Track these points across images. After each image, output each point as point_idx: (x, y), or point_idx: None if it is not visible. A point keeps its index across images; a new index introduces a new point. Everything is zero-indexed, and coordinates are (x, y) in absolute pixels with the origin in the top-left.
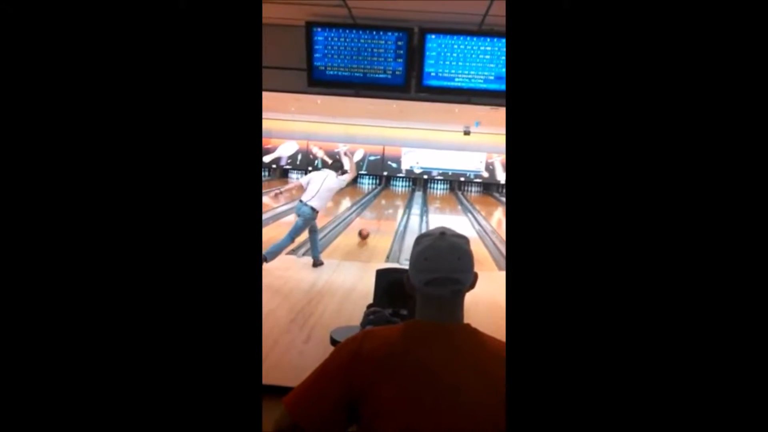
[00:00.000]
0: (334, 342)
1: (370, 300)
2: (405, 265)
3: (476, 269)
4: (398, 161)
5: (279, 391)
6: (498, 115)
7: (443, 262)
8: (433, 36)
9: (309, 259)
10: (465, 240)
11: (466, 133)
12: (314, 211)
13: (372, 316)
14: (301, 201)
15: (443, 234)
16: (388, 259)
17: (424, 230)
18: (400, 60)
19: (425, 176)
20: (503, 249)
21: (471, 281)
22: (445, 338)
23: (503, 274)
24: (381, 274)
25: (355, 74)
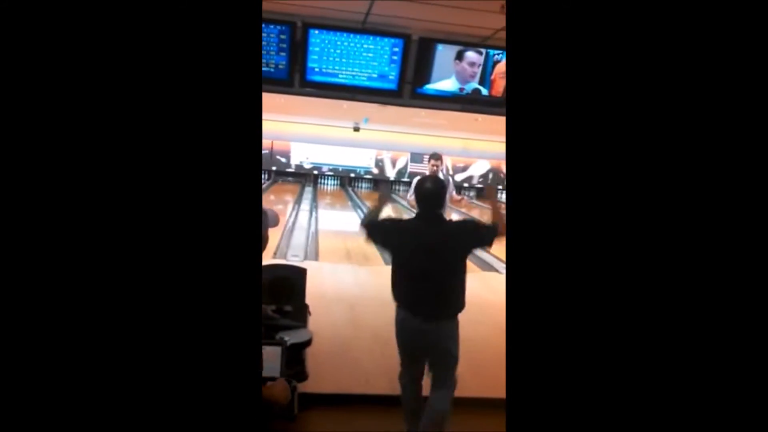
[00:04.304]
0: None
1: None
2: (292, 261)
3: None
4: (288, 156)
5: None
6: (387, 112)
7: None
8: (317, 31)
9: None
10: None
11: (356, 129)
12: None
13: None
14: None
15: None
16: (275, 255)
17: (312, 227)
18: (283, 54)
19: (315, 171)
20: None
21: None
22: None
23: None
24: (264, 271)
25: None
